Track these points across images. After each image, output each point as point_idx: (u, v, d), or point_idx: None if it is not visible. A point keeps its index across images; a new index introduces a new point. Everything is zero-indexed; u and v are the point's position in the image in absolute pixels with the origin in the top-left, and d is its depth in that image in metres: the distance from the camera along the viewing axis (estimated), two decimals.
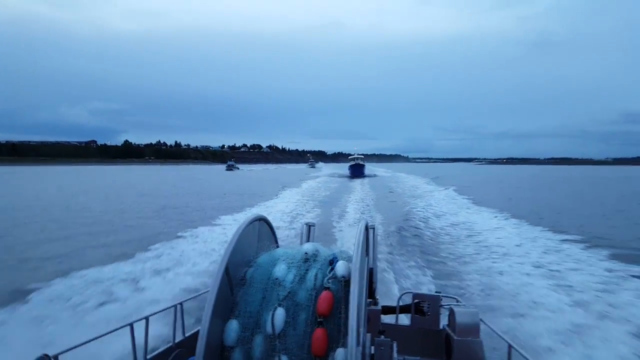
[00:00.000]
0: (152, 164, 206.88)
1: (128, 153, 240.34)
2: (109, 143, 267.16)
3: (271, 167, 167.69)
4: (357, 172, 62.45)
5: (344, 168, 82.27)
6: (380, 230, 13.53)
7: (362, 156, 73.20)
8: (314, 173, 78.08)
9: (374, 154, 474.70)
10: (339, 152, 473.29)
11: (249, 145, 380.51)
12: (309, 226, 4.33)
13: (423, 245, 11.90)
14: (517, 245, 11.47)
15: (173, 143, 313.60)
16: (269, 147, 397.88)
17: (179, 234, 13.20)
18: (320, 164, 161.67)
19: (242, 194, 31.27)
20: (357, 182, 48.35)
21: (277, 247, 3.32)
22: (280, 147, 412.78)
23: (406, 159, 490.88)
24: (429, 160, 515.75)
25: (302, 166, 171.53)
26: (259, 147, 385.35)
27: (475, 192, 31.13)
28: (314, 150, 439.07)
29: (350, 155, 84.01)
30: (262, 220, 3.31)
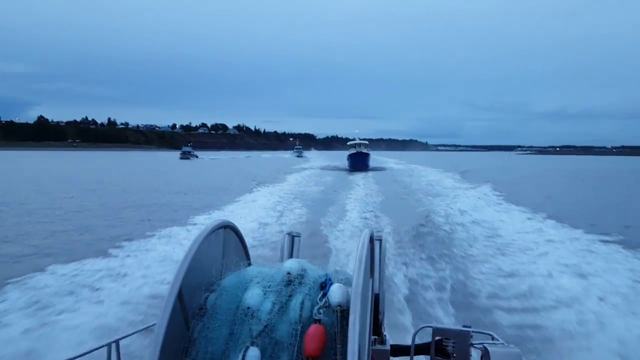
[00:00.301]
0: (78, 149, 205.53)
1: (44, 134, 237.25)
2: (16, 120, 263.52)
3: (241, 155, 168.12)
4: (359, 163, 62.98)
5: (340, 158, 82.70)
6: (389, 243, 13.66)
7: (366, 142, 73.71)
8: (301, 164, 78.46)
9: (381, 139, 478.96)
10: (332, 136, 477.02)
11: (209, 126, 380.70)
12: (293, 237, 4.35)
13: (447, 264, 12.04)
14: (575, 264, 11.64)
15: (105, 121, 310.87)
16: (238, 128, 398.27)
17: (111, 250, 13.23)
18: (310, 152, 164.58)
19: (203, 192, 31.65)
20: (359, 177, 48.75)
21: (249, 264, 3.36)
22: (254, 129, 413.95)
23: (424, 146, 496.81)
24: (455, 148, 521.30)
25: (284, 154, 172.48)
26: (224, 127, 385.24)
27: (521, 193, 31.42)
28: (299, 134, 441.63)
29: (349, 140, 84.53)
30: (229, 228, 3.35)
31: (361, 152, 65.58)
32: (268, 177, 44.48)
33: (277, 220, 18.10)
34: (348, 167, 63.73)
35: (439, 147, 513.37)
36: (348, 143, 75.78)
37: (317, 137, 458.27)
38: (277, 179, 42.12)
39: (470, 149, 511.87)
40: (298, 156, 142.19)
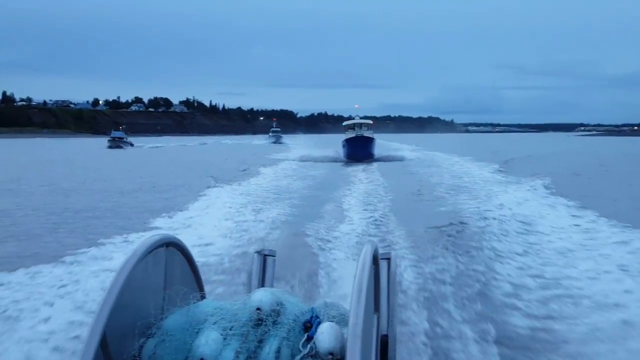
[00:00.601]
0: None
1: None
2: None
3: (193, 141, 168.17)
4: (359, 150, 63.83)
5: (333, 143, 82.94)
6: (402, 263, 13.66)
7: (369, 121, 75.01)
8: (277, 153, 78.62)
9: (389, 117, 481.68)
10: (320, 114, 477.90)
11: (146, 101, 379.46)
12: (265, 256, 4.42)
13: (484, 293, 12.06)
14: None
15: None
16: (187, 103, 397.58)
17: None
18: (292, 138, 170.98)
19: (140, 195, 31.88)
20: (359, 169, 48.82)
21: (202, 297, 3.35)
22: (209, 104, 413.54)
23: (449, 126, 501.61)
24: (492, 127, 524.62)
25: (255, 139, 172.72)
26: (166, 103, 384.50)
27: (603, 195, 30.53)
28: (273, 111, 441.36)
29: (346, 119, 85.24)
30: (172, 245, 3.42)
31: (362, 136, 66.29)
32: (232, 172, 44.72)
33: (243, 232, 18.15)
34: (344, 157, 64.83)
35: (469, 128, 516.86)
36: (344, 124, 76.28)
37: (299, 116, 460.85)
38: (246, 174, 42.37)
39: (513, 128, 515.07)
40: (275, 142, 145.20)
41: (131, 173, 50.05)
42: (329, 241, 16.75)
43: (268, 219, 21.11)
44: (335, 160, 63.66)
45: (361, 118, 77.18)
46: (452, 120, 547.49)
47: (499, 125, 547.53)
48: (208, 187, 32.10)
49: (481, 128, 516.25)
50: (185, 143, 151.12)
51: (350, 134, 67.81)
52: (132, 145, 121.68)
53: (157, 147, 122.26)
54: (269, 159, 66.95)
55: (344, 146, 66.93)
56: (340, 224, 20.00)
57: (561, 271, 13.54)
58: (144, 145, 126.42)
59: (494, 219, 20.52)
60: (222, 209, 23.88)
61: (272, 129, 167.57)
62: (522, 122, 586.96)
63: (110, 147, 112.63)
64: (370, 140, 66.40)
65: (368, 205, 25.35)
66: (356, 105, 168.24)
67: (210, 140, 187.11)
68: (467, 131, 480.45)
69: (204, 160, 68.19)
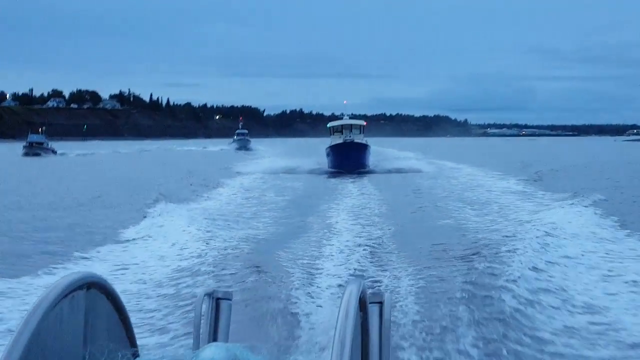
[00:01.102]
0: None
1: None
2: None
3: (131, 146, 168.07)
4: (349, 160, 64.36)
5: (312, 150, 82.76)
6: (400, 307, 13.73)
7: (362, 122, 75.80)
8: (241, 163, 79.00)
9: (383, 116, 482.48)
10: (295, 112, 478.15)
11: (66, 95, 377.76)
12: (217, 300, 4.49)
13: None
14: None
15: None
16: (120, 98, 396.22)
17: None
18: (259, 142, 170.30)
19: (65, 217, 31.85)
20: (347, 181, 49.70)
21: (135, 354, 3.32)
22: (149, 99, 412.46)
23: (462, 128, 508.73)
24: (518, 130, 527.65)
25: (211, 145, 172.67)
26: (94, 98, 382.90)
27: None
28: (233, 107, 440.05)
29: (331, 119, 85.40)
30: (95, 287, 3.42)
31: (353, 142, 66.30)
32: (180, 188, 45.19)
33: (189, 267, 18.19)
34: (329, 167, 65.58)
35: (487, 130, 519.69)
36: (330, 125, 76.17)
37: (267, 114, 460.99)
38: (198, 190, 42.91)
39: (544, 131, 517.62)
40: (240, 148, 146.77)
41: (53, 188, 49.72)
42: (305, 277, 16.77)
43: (223, 249, 21.07)
44: (315, 172, 64.07)
45: (351, 117, 77.72)
46: (465, 121, 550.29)
47: (526, 127, 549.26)
48: (149, 209, 32.07)
49: (504, 131, 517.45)
50: (119, 149, 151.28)
51: (337, 139, 67.97)
52: (54, 152, 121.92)
53: (86, 154, 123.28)
54: (230, 171, 66.75)
55: (328, 154, 67.42)
56: (321, 255, 20.00)
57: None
58: (68, 152, 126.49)
59: (527, 250, 20.16)
60: (164, 236, 23.86)
61: (238, 131, 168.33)
62: (556, 123, 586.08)
63: (26, 154, 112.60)
64: (362, 148, 66.71)
65: (357, 228, 25.58)
66: (345, 101, 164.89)
67: (152, 145, 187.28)
68: (486, 134, 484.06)
69: (147, 171, 68.60)
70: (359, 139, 68.43)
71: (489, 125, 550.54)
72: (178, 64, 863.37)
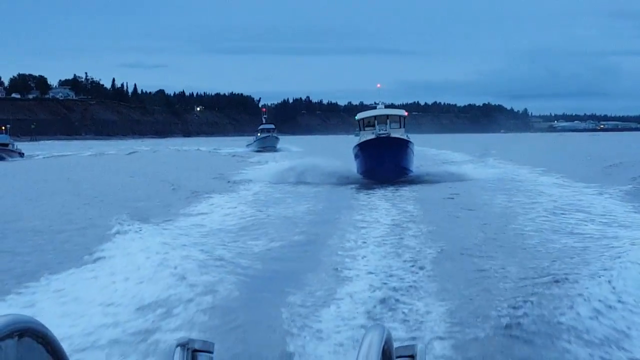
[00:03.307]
0: None
1: None
2: None
3: (86, 148, 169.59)
4: (384, 162, 62.00)
5: (339, 152, 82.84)
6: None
7: (403, 112, 74.92)
8: (241, 170, 79.75)
9: (417, 105, 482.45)
10: (299, 100, 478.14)
11: (6, 82, 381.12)
12: (194, 353, 4.48)
13: None
14: None
15: None
16: (75, 84, 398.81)
17: None
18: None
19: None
20: (379, 194, 49.41)
21: None
22: (111, 86, 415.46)
23: (520, 120, 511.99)
24: (596, 123, 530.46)
25: (192, 144, 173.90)
26: (41, 85, 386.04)
27: None
28: (219, 95, 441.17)
29: (353, 108, 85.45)
30: (29, 335, 3.39)
31: (389, 138, 64.25)
32: (160, 204, 46.03)
33: (158, 308, 18.38)
34: (358, 172, 64.86)
35: (554, 124, 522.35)
36: (359, 116, 74.21)
37: (264, 104, 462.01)
38: (183, 206, 43.93)
39: (632, 124, 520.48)
40: (266, 148, 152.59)
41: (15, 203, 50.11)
42: (311, 323, 17.07)
43: (204, 285, 21.27)
44: (339, 180, 62.56)
45: (387, 106, 76.71)
46: (525, 111, 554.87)
47: (606, 118, 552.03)
48: (115, 233, 32.05)
49: (576, 124, 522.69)
50: (77, 151, 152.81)
51: (368, 135, 65.96)
52: (21, 155, 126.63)
53: (61, 156, 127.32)
54: (224, 180, 66.68)
55: (357, 156, 65.81)
56: (333, 296, 20.22)
57: None
58: (38, 154, 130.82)
59: (617, 296, 19.78)
60: (127, 266, 24.05)
61: (262, 127, 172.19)
62: None
63: None
64: (404, 146, 64.38)
65: (386, 263, 25.50)
66: (378, 85, 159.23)
67: (122, 145, 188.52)
68: (552, 129, 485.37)
69: (121, 182, 68.47)
70: (398, 133, 66.06)
71: (556, 117, 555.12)
72: (145, 38, 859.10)
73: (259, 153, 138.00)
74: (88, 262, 25.48)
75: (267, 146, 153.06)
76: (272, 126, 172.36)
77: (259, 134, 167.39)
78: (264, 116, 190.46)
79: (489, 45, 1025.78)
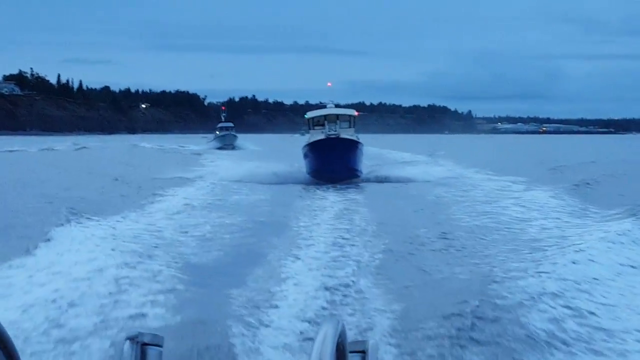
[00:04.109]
0: None
1: None
2: None
3: (32, 144, 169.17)
4: (334, 163, 61.62)
5: (280, 151, 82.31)
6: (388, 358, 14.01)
7: (353, 112, 74.57)
8: (187, 167, 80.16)
9: (362, 105, 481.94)
10: (245, 99, 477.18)
11: None
12: (143, 346, 4.23)
13: None
14: None
15: None
16: (18, 79, 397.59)
17: None
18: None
19: None
20: (330, 194, 49.86)
21: None
22: (57, 82, 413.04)
23: (464, 122, 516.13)
24: (538, 125, 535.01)
25: (138, 139, 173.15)
26: None
27: None
28: (165, 92, 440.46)
29: (299, 107, 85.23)
30: None
31: (339, 138, 63.91)
32: (104, 200, 45.32)
33: (106, 301, 18.23)
34: (308, 173, 64.77)
35: (497, 125, 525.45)
36: (308, 115, 73.73)
37: (210, 102, 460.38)
38: (129, 203, 43.29)
39: (573, 127, 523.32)
40: (225, 146, 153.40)
41: None
42: (262, 317, 17.25)
43: (153, 276, 21.31)
44: (287, 179, 62.65)
45: (337, 106, 76.20)
46: (469, 113, 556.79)
47: (548, 121, 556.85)
48: (57, 225, 31.41)
49: (519, 126, 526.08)
50: (24, 147, 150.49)
51: (318, 134, 65.61)
52: None
53: (12, 151, 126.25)
54: (170, 178, 65.18)
55: (306, 156, 65.58)
56: (283, 288, 20.36)
57: None
58: None
59: (563, 295, 20.00)
60: (74, 257, 23.94)
61: (221, 125, 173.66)
62: (588, 117, 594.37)
63: None
64: (353, 146, 63.80)
65: (334, 258, 25.76)
66: (329, 83, 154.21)
67: (67, 141, 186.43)
68: (495, 131, 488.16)
69: (67, 178, 66.54)
70: (347, 133, 65.72)
71: (500, 119, 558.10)
72: (89, 33, 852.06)
73: (219, 150, 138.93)
74: (28, 257, 24.94)
75: (225, 144, 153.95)
76: (231, 124, 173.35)
77: (217, 132, 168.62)
78: (223, 114, 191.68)
79: (435, 46, 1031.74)
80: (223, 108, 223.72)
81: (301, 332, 16.53)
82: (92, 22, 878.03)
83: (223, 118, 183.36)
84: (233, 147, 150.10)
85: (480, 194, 51.53)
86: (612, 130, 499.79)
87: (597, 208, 40.46)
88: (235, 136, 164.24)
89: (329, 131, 64.86)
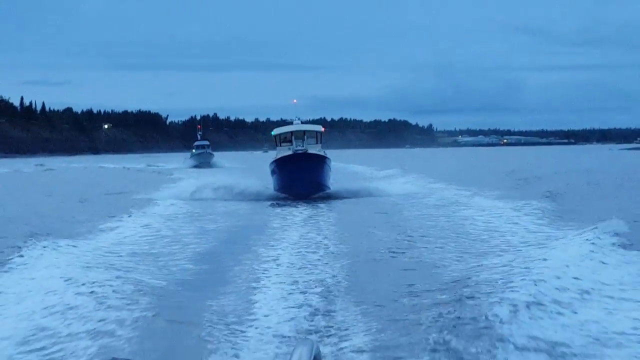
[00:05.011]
0: None
1: None
2: None
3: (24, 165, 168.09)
4: (302, 179, 61.79)
5: (255, 169, 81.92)
6: None
7: (319, 128, 75.08)
8: (160, 186, 79.73)
9: (323, 121, 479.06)
10: (207, 116, 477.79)
11: None
12: None
13: None
14: None
15: None
16: None
17: None
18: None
19: None
20: (301, 209, 49.94)
21: None
22: (20, 104, 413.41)
23: (425, 135, 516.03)
24: (499, 138, 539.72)
25: (102, 161, 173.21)
26: None
27: None
28: (127, 112, 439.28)
29: (260, 124, 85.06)
30: None
31: (306, 154, 64.05)
32: (67, 222, 44.97)
33: (80, 330, 17.78)
34: (276, 189, 64.91)
35: (459, 138, 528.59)
36: (275, 132, 74.02)
37: (171, 121, 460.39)
38: (91, 223, 42.81)
39: (533, 138, 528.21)
40: (201, 164, 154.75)
41: None
42: (232, 337, 17.22)
43: (122, 298, 21.16)
44: (254, 196, 62.94)
45: (301, 122, 76.16)
46: (430, 126, 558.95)
47: (509, 133, 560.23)
48: (23, 247, 31.15)
49: (479, 139, 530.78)
50: (21, 167, 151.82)
51: (285, 150, 66.05)
52: None
53: None
54: (130, 198, 65.24)
55: (273, 172, 65.71)
56: (255, 307, 20.46)
57: None
58: None
59: (535, 299, 19.74)
60: (37, 283, 23.52)
61: (197, 143, 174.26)
62: (548, 128, 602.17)
63: None
64: (320, 162, 64.19)
65: (305, 273, 25.68)
66: (294, 100, 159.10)
67: (31, 163, 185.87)
68: (456, 144, 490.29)
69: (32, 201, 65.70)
70: (315, 149, 66.25)
71: (461, 132, 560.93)
72: (46, 54, 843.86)
73: (195, 169, 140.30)
74: None
75: (202, 162, 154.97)
76: (207, 142, 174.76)
77: (194, 150, 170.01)
78: (199, 133, 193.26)
79: (394, 60, 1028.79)
80: (199, 127, 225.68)
81: (275, 352, 16.32)
82: (49, 44, 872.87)
83: (199, 136, 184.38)
84: (210, 165, 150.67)
85: (443, 204, 52.09)
86: (573, 141, 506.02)
87: (565, 217, 40.39)
88: (211, 154, 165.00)
89: (297, 147, 65.31)
